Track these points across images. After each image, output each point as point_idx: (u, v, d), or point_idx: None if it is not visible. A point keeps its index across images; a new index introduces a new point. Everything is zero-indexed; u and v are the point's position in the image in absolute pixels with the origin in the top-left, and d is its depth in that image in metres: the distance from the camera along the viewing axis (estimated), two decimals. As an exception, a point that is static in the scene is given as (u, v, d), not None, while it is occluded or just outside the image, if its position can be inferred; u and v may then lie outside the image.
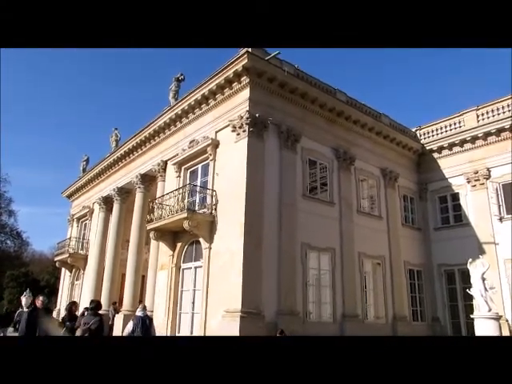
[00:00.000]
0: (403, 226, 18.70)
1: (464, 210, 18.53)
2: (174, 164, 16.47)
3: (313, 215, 14.79)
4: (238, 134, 13.73)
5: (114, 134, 23.40)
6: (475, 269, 13.90)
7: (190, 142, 15.90)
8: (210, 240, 13.86)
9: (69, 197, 29.34)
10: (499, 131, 17.58)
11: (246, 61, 13.22)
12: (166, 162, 17.68)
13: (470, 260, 14.26)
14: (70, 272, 25.72)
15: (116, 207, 21.82)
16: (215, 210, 13.97)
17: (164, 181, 17.53)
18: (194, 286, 14.49)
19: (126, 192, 21.63)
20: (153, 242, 16.91)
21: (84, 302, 19.96)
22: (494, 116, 18.09)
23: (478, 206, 17.99)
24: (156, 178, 18.31)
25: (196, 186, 14.88)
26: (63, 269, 26.77)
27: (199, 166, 15.69)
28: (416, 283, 18.55)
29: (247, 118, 13.43)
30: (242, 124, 13.57)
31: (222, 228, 13.60)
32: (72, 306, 12.35)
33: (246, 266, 12.34)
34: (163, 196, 15.81)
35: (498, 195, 17.41)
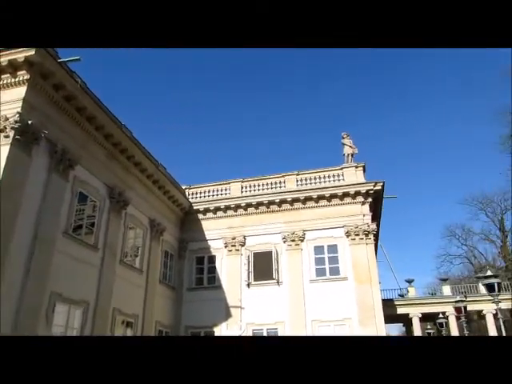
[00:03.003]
0: (160, 283, 17.77)
1: (218, 273, 19.19)
2: None
3: (72, 259, 12.19)
4: (-3, 139, 10.37)
5: None
6: (231, 332, 14.10)
7: None
8: None
9: None
10: (258, 204, 19.54)
11: (33, 53, 10.49)
12: None
13: (227, 322, 14.44)
14: None
15: None
16: None
17: None
18: None
19: None
20: None
21: None
22: (255, 190, 20.14)
23: (231, 270, 18.97)
24: None
25: None
26: None
27: None
28: (163, 346, 17.46)
29: (16, 122, 10.36)
30: (6, 127, 10.38)
31: None
32: None
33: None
34: None
35: (249, 262, 18.84)
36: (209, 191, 20.81)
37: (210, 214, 20.17)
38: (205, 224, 20.14)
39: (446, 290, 27.13)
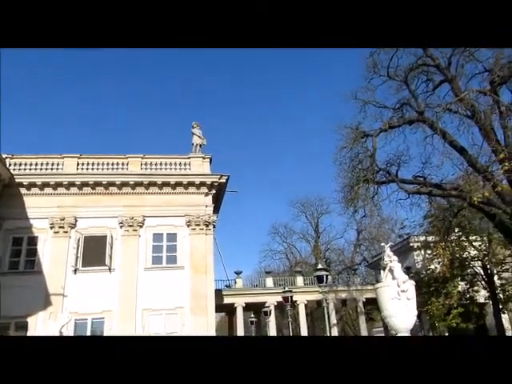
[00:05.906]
0: (-38, 265, 14.80)
1: (39, 257, 16.95)
2: None
3: None
4: None
5: None
6: (52, 322, 12.62)
7: None
8: None
9: None
10: (96, 185, 17.96)
11: None
12: None
13: (50, 311, 12.88)
14: None
15: None
16: None
17: None
18: None
19: None
20: None
21: None
22: (93, 169, 18.48)
23: (56, 254, 16.97)
24: None
25: None
26: None
27: None
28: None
29: None
30: None
31: None
32: None
33: None
34: None
35: (78, 246, 17.16)
36: (36, 164, 18.25)
37: (35, 190, 17.69)
38: (28, 200, 17.56)
39: (269, 282, 29.51)
